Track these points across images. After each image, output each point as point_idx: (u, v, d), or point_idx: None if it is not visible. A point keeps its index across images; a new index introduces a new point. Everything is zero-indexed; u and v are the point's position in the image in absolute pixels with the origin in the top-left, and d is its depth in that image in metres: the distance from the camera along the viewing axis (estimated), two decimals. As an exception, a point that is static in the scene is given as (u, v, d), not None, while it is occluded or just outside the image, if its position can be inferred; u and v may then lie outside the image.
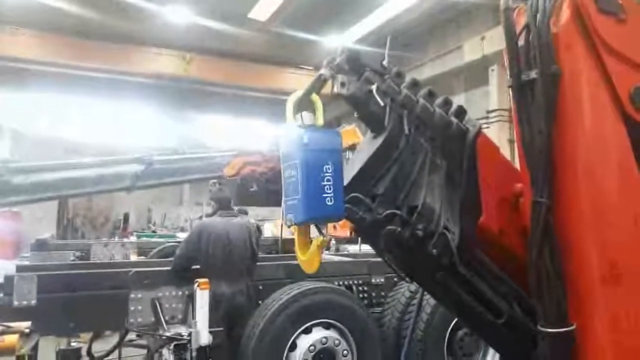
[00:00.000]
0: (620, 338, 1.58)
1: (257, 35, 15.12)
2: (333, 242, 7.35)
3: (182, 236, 9.25)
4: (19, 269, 4.80)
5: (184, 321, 4.18)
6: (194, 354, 3.58)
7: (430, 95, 1.82)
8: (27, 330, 3.72)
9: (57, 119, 18.22)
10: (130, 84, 17.00)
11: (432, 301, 4.31)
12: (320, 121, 1.72)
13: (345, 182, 1.67)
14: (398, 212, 1.71)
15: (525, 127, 1.64)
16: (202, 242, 4.41)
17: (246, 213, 6.55)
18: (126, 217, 17.52)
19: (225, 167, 7.64)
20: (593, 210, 1.60)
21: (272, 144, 7.74)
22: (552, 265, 1.56)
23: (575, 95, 1.61)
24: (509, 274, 1.82)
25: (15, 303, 3.84)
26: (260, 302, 4.35)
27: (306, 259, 1.67)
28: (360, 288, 4.97)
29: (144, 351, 5.22)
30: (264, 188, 7.50)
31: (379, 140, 1.74)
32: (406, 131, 1.73)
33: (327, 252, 6.39)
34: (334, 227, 6.93)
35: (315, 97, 1.74)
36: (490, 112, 12.64)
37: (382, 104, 1.70)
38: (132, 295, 4.11)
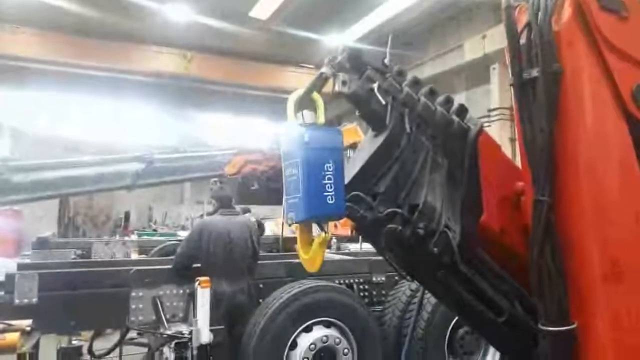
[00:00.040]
0: (621, 336, 1.58)
1: (257, 33, 15.11)
2: (334, 240, 7.36)
3: (183, 235, 9.25)
4: (20, 267, 4.81)
5: (184, 319, 4.18)
6: (194, 352, 3.58)
7: (432, 94, 1.82)
8: (28, 329, 3.73)
9: (57, 117, 18.20)
10: (130, 83, 16.99)
11: (433, 300, 4.32)
12: (322, 120, 1.72)
13: (347, 180, 1.67)
14: (399, 210, 1.70)
15: (526, 126, 1.64)
16: (203, 240, 4.42)
17: (249, 211, 6.55)
18: (127, 216, 17.51)
19: (226, 165, 7.63)
20: (594, 208, 1.60)
21: (273, 142, 7.72)
22: (553, 264, 1.56)
23: (577, 93, 1.61)
24: (510, 273, 1.82)
25: (17, 301, 3.85)
26: (261, 300, 4.36)
27: (308, 258, 1.67)
28: (361, 286, 4.98)
29: (145, 349, 5.21)
30: (265, 186, 7.50)
31: (380, 138, 1.74)
32: (407, 130, 1.73)
33: (328, 250, 6.39)
34: (335, 225, 6.92)
35: (316, 95, 1.74)
36: (491, 111, 12.64)
37: (383, 102, 1.70)
38: (133, 294, 4.12)
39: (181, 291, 4.27)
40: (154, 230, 15.17)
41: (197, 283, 3.71)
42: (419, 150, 1.77)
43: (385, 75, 1.76)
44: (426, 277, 1.94)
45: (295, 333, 4.09)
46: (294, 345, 4.08)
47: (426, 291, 3.62)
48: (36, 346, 3.85)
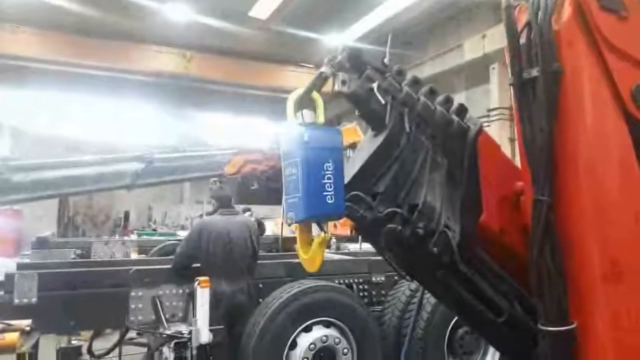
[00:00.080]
0: (621, 336, 1.58)
1: (257, 33, 15.10)
2: (333, 240, 7.36)
3: (182, 234, 9.25)
4: (20, 266, 4.81)
5: (184, 319, 4.18)
6: (194, 352, 3.58)
7: (431, 93, 1.82)
8: (27, 328, 3.73)
9: (57, 116, 18.21)
10: (130, 82, 16.99)
11: (433, 300, 4.32)
12: (321, 119, 1.71)
13: (346, 180, 1.66)
14: (399, 210, 1.70)
15: (526, 125, 1.64)
16: (203, 240, 4.41)
17: (249, 210, 6.55)
18: (127, 215, 17.51)
19: (225, 165, 7.64)
20: (594, 208, 1.60)
21: (273, 142, 7.73)
22: (553, 264, 1.56)
23: (577, 93, 1.60)
24: (510, 273, 1.82)
25: (16, 301, 3.85)
26: (260, 300, 4.36)
27: (308, 258, 1.66)
28: (361, 286, 4.98)
29: (145, 349, 5.21)
30: (264, 186, 7.51)
31: (380, 138, 1.74)
32: (407, 129, 1.72)
33: (327, 250, 6.39)
34: (335, 225, 6.92)
35: (316, 95, 1.74)
36: (491, 111, 12.64)
37: (383, 102, 1.70)
38: (133, 294, 4.12)
39: (181, 291, 4.27)
40: (154, 230, 15.16)
41: (196, 283, 3.71)
42: (419, 149, 1.76)
43: (385, 75, 1.76)
44: (426, 277, 1.93)
45: (295, 333, 4.09)
46: (293, 345, 4.08)
47: (426, 291, 3.61)
48: (36, 346, 3.85)
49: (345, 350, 4.22)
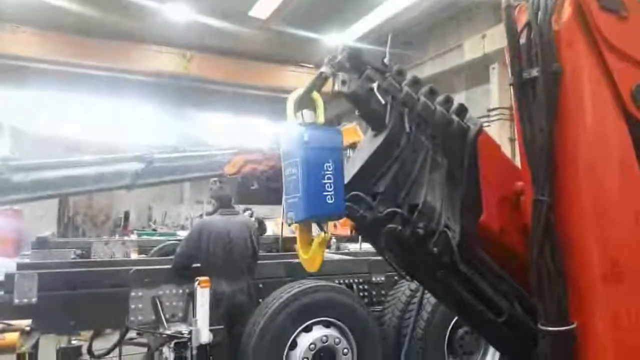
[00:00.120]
0: (621, 336, 1.58)
1: (257, 33, 15.10)
2: (333, 240, 7.35)
3: (182, 234, 9.24)
4: (20, 266, 4.81)
5: (184, 319, 4.18)
6: (194, 352, 3.58)
7: (431, 93, 1.82)
8: (27, 328, 3.73)
9: (57, 116, 18.20)
10: (130, 82, 16.98)
11: (433, 300, 4.32)
12: (321, 119, 1.71)
13: (346, 180, 1.66)
14: (399, 210, 1.70)
15: (526, 125, 1.64)
16: (203, 240, 4.41)
17: (249, 210, 6.55)
18: (127, 215, 17.51)
19: (225, 165, 7.64)
20: (594, 208, 1.60)
21: (273, 142, 7.73)
22: (553, 264, 1.56)
23: (577, 93, 1.60)
24: (510, 273, 1.82)
25: (16, 301, 3.85)
26: (260, 300, 4.36)
27: (308, 258, 1.66)
28: (361, 286, 4.98)
29: (145, 349, 5.21)
30: (264, 186, 7.51)
31: (380, 138, 1.74)
32: (407, 129, 1.72)
33: (327, 250, 6.39)
34: (335, 225, 6.92)
35: (316, 95, 1.74)
36: (491, 111, 12.64)
37: (383, 102, 1.70)
38: (133, 294, 4.12)
39: (181, 291, 4.27)
40: (154, 230, 15.15)
41: (196, 283, 3.71)
42: (419, 149, 1.76)
43: (385, 75, 1.76)
44: (426, 277, 1.93)
45: (295, 333, 4.09)
46: (293, 345, 4.08)
47: (426, 291, 3.62)
48: (35, 346, 3.85)
49: (345, 350, 4.22)
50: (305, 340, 4.11)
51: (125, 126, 19.01)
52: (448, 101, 1.84)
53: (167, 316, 4.13)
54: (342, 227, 6.71)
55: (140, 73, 16.42)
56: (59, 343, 4.15)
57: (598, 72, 1.62)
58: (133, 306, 4.11)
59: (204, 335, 3.59)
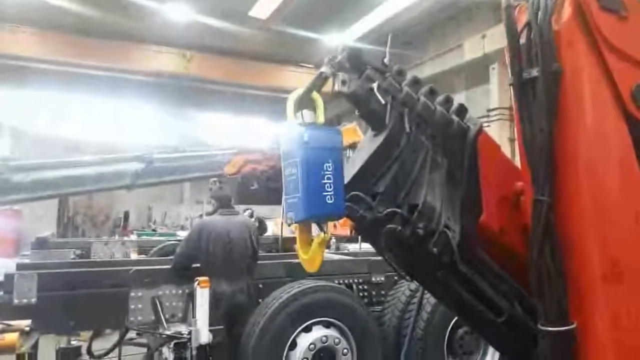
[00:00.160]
0: (621, 336, 1.58)
1: (257, 33, 15.10)
2: (333, 240, 7.35)
3: (182, 234, 9.25)
4: (19, 267, 4.81)
5: (184, 319, 4.18)
6: (194, 352, 3.58)
7: (431, 93, 1.81)
8: (27, 329, 3.73)
9: (57, 116, 18.19)
10: (130, 82, 16.98)
11: (433, 300, 4.32)
12: (321, 119, 1.71)
13: (346, 180, 1.66)
14: (399, 210, 1.70)
15: (526, 125, 1.63)
16: (203, 240, 4.41)
17: (250, 210, 6.55)
18: (126, 216, 17.49)
19: (225, 165, 7.64)
20: (594, 208, 1.59)
21: (273, 142, 7.73)
22: (552, 264, 1.56)
23: (577, 93, 1.60)
24: (510, 273, 1.82)
25: (16, 301, 3.84)
26: (260, 300, 4.36)
27: (308, 258, 1.66)
28: (361, 287, 4.98)
29: (144, 350, 5.21)
30: (264, 186, 7.51)
31: (380, 138, 1.73)
32: (407, 129, 1.72)
33: (327, 250, 6.39)
34: (334, 225, 6.92)
35: (316, 95, 1.73)
36: (491, 111, 12.63)
37: (383, 102, 1.70)
38: (133, 294, 4.12)
39: (180, 291, 4.27)
40: (153, 230, 15.16)
41: (196, 283, 3.71)
42: (419, 149, 1.76)
43: (385, 75, 1.75)
44: (426, 277, 1.93)
45: (295, 333, 4.09)
46: (293, 346, 4.08)
47: (426, 291, 3.61)
48: (35, 346, 3.85)
49: (345, 350, 4.22)
50: (305, 341, 4.11)
51: (125, 126, 19.00)
52: (448, 101, 1.84)
53: (167, 316, 4.13)
54: (342, 227, 6.72)
55: (140, 73, 16.42)
56: (58, 343, 4.15)
57: (598, 72, 1.62)
58: (133, 306, 4.11)
59: (204, 336, 3.59)
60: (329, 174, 1.59)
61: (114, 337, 5.22)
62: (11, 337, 3.58)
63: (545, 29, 1.58)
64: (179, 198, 20.62)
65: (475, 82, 13.79)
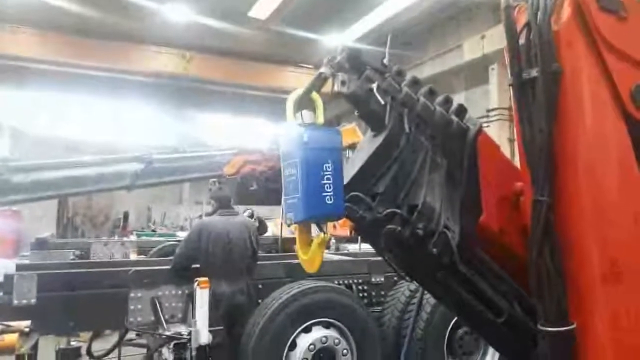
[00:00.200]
0: (620, 336, 1.58)
1: (257, 33, 15.10)
2: (333, 241, 7.35)
3: (181, 235, 9.24)
4: (19, 267, 4.80)
5: (183, 320, 4.18)
6: (193, 353, 3.58)
7: (431, 94, 1.81)
8: (26, 329, 3.73)
9: (57, 117, 18.18)
10: (130, 83, 16.99)
11: (432, 300, 4.32)
12: (321, 120, 1.71)
13: (346, 180, 1.66)
14: (398, 211, 1.70)
15: (525, 126, 1.63)
16: (202, 241, 4.41)
17: (250, 210, 6.54)
18: (126, 216, 17.49)
19: (225, 165, 7.65)
20: (594, 208, 1.60)
21: (272, 142, 7.74)
22: (552, 264, 1.56)
23: (576, 93, 1.60)
24: (509, 273, 1.82)
25: (15, 302, 3.84)
26: (260, 301, 4.36)
27: (307, 258, 1.66)
28: (360, 287, 4.98)
29: (144, 350, 5.22)
30: (263, 187, 7.51)
31: (380, 138, 1.73)
32: (407, 130, 1.72)
33: (327, 251, 6.39)
34: (334, 226, 6.92)
35: (315, 95, 1.73)
36: (490, 111, 12.64)
37: (382, 102, 1.70)
38: (132, 294, 4.12)
39: (180, 292, 4.27)
40: (153, 230, 15.15)
41: (196, 283, 3.70)
42: (418, 150, 1.76)
43: (385, 75, 1.75)
44: (425, 277, 1.93)
45: (295, 333, 4.09)
46: (293, 346, 4.08)
47: (425, 292, 3.62)
48: (35, 347, 3.85)
49: (345, 350, 4.22)
50: (304, 341, 4.11)
51: (124, 127, 18.99)
52: (447, 102, 1.84)
53: (167, 317, 4.13)
54: (342, 227, 6.72)
55: (139, 74, 16.43)
56: (58, 344, 4.16)
57: (597, 73, 1.62)
58: (132, 307, 4.10)
59: (204, 336, 3.59)
60: (329, 175, 1.59)
61: (114, 338, 5.22)
62: (11, 338, 3.58)
63: (544, 30, 1.58)
64: (179, 198, 20.61)
65: (474, 83, 13.80)
